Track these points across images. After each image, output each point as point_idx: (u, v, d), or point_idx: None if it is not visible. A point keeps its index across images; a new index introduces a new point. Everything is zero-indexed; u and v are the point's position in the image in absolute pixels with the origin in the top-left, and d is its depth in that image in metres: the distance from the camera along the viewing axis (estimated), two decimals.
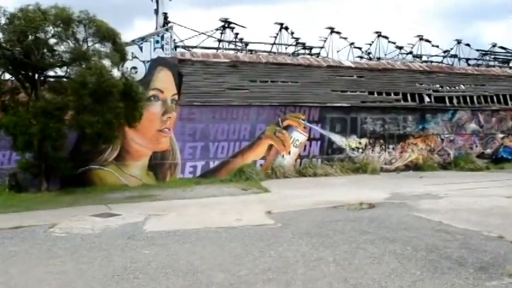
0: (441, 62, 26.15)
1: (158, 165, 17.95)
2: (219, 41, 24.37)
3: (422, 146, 22.01)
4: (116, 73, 13.80)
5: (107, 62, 13.22)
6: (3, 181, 16.02)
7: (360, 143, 20.88)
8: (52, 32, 13.12)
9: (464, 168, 21.59)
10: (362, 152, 20.87)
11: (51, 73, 14.44)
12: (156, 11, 23.43)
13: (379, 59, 24.40)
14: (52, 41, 13.48)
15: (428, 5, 61.66)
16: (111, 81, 12.38)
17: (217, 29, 24.55)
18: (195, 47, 22.13)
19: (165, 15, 23.47)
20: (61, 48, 13.41)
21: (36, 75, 13.66)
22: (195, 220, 10.37)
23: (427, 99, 22.03)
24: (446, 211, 11.19)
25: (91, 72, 12.29)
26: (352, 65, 21.00)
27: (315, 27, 32.84)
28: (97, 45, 13.84)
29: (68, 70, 13.91)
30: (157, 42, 18.94)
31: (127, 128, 16.82)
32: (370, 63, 22.57)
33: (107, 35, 13.38)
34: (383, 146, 21.27)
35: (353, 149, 20.76)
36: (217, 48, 23.28)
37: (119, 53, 13.53)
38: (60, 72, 14.19)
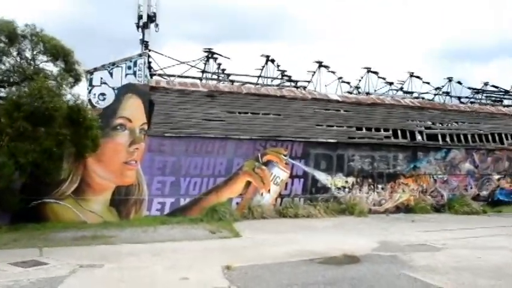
0: (433, 99, 23.95)
1: (122, 200, 15.40)
2: (203, 72, 22.22)
3: (414, 186, 19.53)
4: (68, 96, 11.41)
5: (52, 83, 10.79)
6: None
7: (346, 181, 18.39)
8: None
9: (459, 212, 19.07)
10: (349, 192, 18.36)
11: None
12: (142, 41, 21.41)
13: (368, 94, 22.19)
14: None
15: (418, 45, 60.37)
16: (51, 103, 9.91)
17: (200, 60, 22.46)
18: (174, 75, 19.95)
19: (146, 43, 21.38)
20: (4, 66, 11.00)
21: None
22: (128, 278, 7.81)
23: (418, 136, 19.69)
24: (447, 270, 8.71)
25: (28, 92, 9.87)
26: (340, 99, 18.74)
27: (304, 64, 31.05)
28: (47, 65, 11.47)
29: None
30: (129, 68, 16.71)
31: (90, 158, 14.62)
32: (358, 97, 20.35)
33: (56, 53, 11.03)
34: (371, 186, 18.79)
35: (339, 188, 18.25)
36: (200, 79, 21.13)
37: (69, 73, 11.13)
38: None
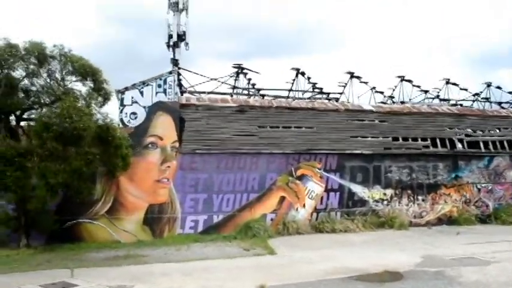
0: (471, 106, 22.92)
1: (155, 219, 15.16)
2: (233, 87, 22.02)
3: (457, 196, 18.53)
4: (98, 115, 11.28)
5: (82, 103, 10.69)
6: None
7: (384, 194, 17.61)
8: (23, 68, 10.73)
9: (506, 222, 17.92)
10: (387, 205, 17.55)
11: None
12: (172, 60, 21.44)
13: (402, 103, 21.41)
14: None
15: (451, 51, 58.64)
16: (80, 123, 9.76)
17: (231, 76, 22.29)
18: (204, 92, 19.79)
19: (176, 61, 21.39)
20: (35, 87, 11.00)
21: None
22: None
23: (459, 144, 18.72)
24: (499, 286, 7.87)
25: (57, 113, 9.76)
26: (374, 109, 18.08)
27: (335, 75, 30.56)
28: (76, 84, 11.41)
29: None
30: (159, 86, 16.65)
31: (122, 177, 14.53)
32: (393, 106, 19.62)
33: (84, 72, 10.94)
34: (411, 197, 17.92)
35: (377, 201, 17.48)
36: (231, 94, 20.94)
37: (98, 92, 11.02)
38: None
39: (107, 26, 52.95)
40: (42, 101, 10.84)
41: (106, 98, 11.85)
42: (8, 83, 10.54)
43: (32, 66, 11.08)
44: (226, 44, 56.67)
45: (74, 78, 11.32)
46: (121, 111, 16.24)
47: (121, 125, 15.99)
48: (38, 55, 10.83)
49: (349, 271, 9.60)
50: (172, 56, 21.86)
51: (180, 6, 23.78)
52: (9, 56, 10.41)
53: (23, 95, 10.90)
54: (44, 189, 10.41)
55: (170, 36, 23.42)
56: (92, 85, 11.27)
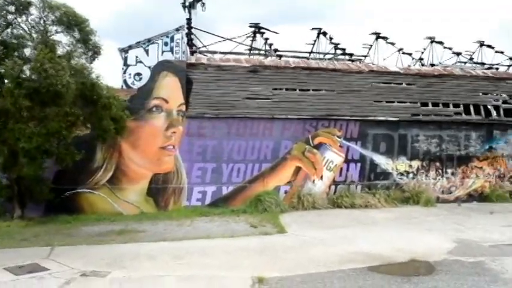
0: (507, 70, 20.43)
1: (159, 190, 13.68)
2: (250, 49, 20.10)
3: (490, 170, 16.44)
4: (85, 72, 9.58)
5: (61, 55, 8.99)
6: None
7: (410, 166, 15.65)
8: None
9: None
10: (413, 178, 15.60)
11: None
12: (186, 19, 19.59)
13: (432, 65, 19.11)
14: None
15: (487, 16, 54.40)
16: (56, 78, 8.09)
17: (247, 36, 20.33)
18: (216, 52, 17.95)
19: (189, 20, 19.52)
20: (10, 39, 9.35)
21: None
22: None
23: (494, 112, 16.49)
24: None
25: (32, 66, 8.12)
26: (401, 71, 15.91)
27: (360, 40, 28.02)
28: (60, 36, 9.73)
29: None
30: (166, 44, 14.87)
31: (124, 144, 13.23)
32: (422, 68, 17.40)
33: (67, 21, 9.24)
34: (439, 171, 15.93)
35: (401, 174, 15.55)
36: (248, 56, 19.04)
37: (85, 44, 9.30)
38: None
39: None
40: (17, 54, 9.17)
41: (95, 51, 10.14)
42: None
43: (9, 16, 9.41)
44: (249, 9, 53.86)
45: (57, 29, 9.61)
46: (124, 72, 14.60)
47: (124, 86, 14.49)
48: (15, 1, 9.13)
49: (368, 259, 7.95)
50: (187, 17, 20.13)
51: None
52: None
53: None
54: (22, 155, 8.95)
55: None
56: (77, 36, 9.55)
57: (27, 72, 8.56)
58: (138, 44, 14.75)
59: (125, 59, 14.63)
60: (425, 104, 15.76)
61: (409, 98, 15.63)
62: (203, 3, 21.72)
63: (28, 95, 8.40)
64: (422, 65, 19.99)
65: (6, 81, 8.85)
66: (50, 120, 8.72)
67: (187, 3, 21.27)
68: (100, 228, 11.11)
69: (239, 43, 19.62)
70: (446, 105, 15.97)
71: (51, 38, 9.45)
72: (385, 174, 15.36)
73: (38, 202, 12.51)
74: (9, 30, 9.48)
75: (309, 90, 14.84)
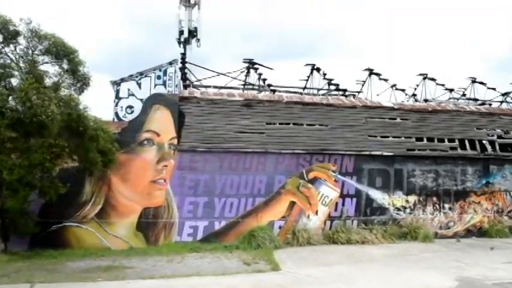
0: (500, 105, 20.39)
1: (150, 224, 13.18)
2: (244, 84, 19.98)
3: (488, 205, 16.07)
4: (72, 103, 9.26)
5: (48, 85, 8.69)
6: None
7: (407, 201, 15.26)
8: None
9: None
10: (410, 213, 15.19)
11: None
12: (181, 54, 19.57)
13: (426, 101, 19.03)
14: None
15: (474, 52, 55.29)
16: (41, 108, 7.75)
17: (241, 71, 20.29)
18: (210, 86, 17.82)
19: (183, 55, 19.50)
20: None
21: None
22: None
23: (489, 147, 16.25)
24: None
25: (17, 95, 7.80)
26: (395, 106, 15.75)
27: (353, 76, 28.08)
28: (48, 66, 9.45)
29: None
30: (158, 77, 14.82)
31: (114, 177, 12.87)
32: (416, 104, 17.28)
33: (56, 52, 8.98)
34: (437, 206, 15.53)
35: (398, 209, 15.13)
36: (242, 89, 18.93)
37: (74, 75, 9.03)
38: None
39: (115, 27, 51.29)
40: (3, 84, 8.85)
41: (84, 83, 9.86)
42: None
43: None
44: (244, 47, 54.62)
45: (45, 59, 9.35)
46: (116, 104, 14.46)
47: (115, 119, 14.21)
48: (3, 31, 8.90)
49: None
50: (182, 52, 20.15)
51: (192, 0, 22.08)
52: None
53: None
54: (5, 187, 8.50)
55: (181, 32, 21.81)
56: (65, 66, 9.29)
57: (12, 103, 8.21)
58: (130, 77, 14.65)
59: (117, 92, 14.48)
60: (420, 139, 15.54)
61: (403, 133, 15.41)
62: (198, 39, 21.90)
63: (11, 126, 8.05)
64: (416, 100, 19.90)
65: None
66: (33, 151, 8.32)
67: (182, 39, 21.42)
68: (86, 264, 10.57)
69: (233, 78, 19.52)
70: (441, 140, 15.75)
71: (38, 68, 9.19)
72: (382, 209, 14.92)
73: (23, 236, 12.02)
74: None
75: (302, 124, 14.61)
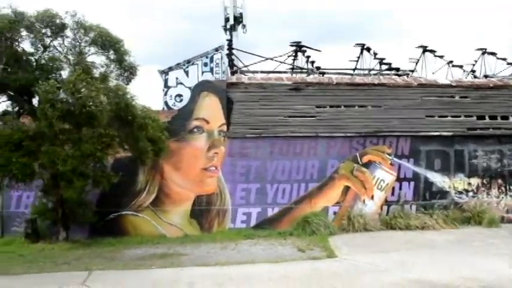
0: None
1: (203, 211, 13.11)
2: (292, 68, 19.50)
3: None
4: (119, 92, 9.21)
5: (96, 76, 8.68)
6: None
7: (469, 184, 14.29)
8: (32, 40, 8.90)
9: None
10: (473, 196, 14.21)
11: None
12: (227, 41, 19.38)
13: (486, 77, 17.76)
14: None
15: None
16: (90, 99, 7.71)
17: (289, 55, 19.82)
18: (257, 72, 17.48)
19: (229, 42, 19.28)
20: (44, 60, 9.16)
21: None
22: None
23: None
24: None
25: (65, 87, 7.80)
26: (452, 83, 14.74)
27: (405, 56, 26.68)
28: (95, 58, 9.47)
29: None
30: (205, 65, 14.54)
31: (166, 166, 12.93)
32: (476, 80, 16.12)
33: (102, 42, 8.95)
34: (502, 188, 14.45)
35: (460, 192, 14.21)
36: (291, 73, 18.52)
37: (120, 65, 8.97)
38: None
39: (163, 18, 51.74)
40: (53, 75, 8.93)
41: (131, 72, 9.81)
42: (12, 56, 8.73)
43: (46, 39, 9.24)
44: (290, 32, 53.56)
45: (92, 50, 9.36)
46: (165, 94, 14.38)
47: (165, 108, 14.19)
48: (51, 24, 8.95)
49: None
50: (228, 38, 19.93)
51: None
52: (13, 25, 8.58)
53: (32, 69, 9.06)
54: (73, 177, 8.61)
55: (227, 20, 21.42)
56: (112, 57, 9.26)
57: (63, 95, 8.26)
58: (178, 66, 14.51)
59: (165, 81, 14.41)
60: (481, 117, 14.46)
61: (463, 112, 14.40)
62: (244, 25, 21.51)
63: (62, 117, 8.10)
64: (475, 77, 18.66)
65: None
66: (84, 142, 8.34)
67: (228, 26, 21.15)
68: (142, 252, 10.63)
69: (280, 62, 19.12)
70: (505, 117, 14.58)
71: (86, 59, 9.21)
72: (442, 193, 14.06)
73: (82, 225, 12.34)
74: (46, 53, 9.31)
75: (354, 106, 13.97)
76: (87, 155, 8.35)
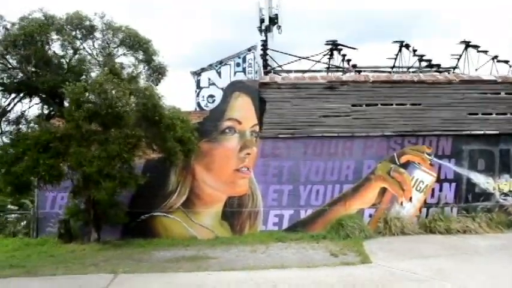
0: None
1: (234, 213, 12.84)
2: (328, 67, 18.93)
3: None
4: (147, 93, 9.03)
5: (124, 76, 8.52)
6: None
7: None
8: (62, 42, 8.86)
9: None
10: None
11: None
12: (262, 41, 19.13)
13: None
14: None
15: None
16: (117, 100, 7.54)
17: (324, 54, 19.27)
18: (291, 71, 17.05)
19: (264, 42, 18.99)
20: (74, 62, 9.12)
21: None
22: None
23: None
24: None
25: (92, 87, 7.66)
26: (498, 79, 13.79)
27: (447, 52, 25.41)
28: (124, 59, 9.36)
29: None
30: (238, 65, 14.35)
31: (198, 167, 12.75)
32: None
33: (130, 43, 8.80)
34: None
35: (506, 194, 13.26)
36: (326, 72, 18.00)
37: (149, 65, 8.79)
38: None
39: (197, 21, 51.92)
40: (84, 77, 8.86)
41: (160, 72, 9.63)
42: (41, 59, 8.71)
43: (76, 42, 9.19)
44: (326, 33, 52.71)
45: (121, 51, 9.25)
46: (197, 95, 14.28)
47: (197, 109, 14.02)
48: (80, 27, 8.89)
49: None
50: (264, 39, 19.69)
51: None
52: (43, 28, 8.56)
53: (63, 71, 9.04)
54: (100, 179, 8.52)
55: (262, 21, 21.23)
56: (140, 57, 9.10)
57: (91, 96, 8.15)
58: (210, 67, 14.39)
59: (198, 82, 14.31)
60: None
61: (509, 109, 13.44)
62: (279, 26, 21.17)
63: (89, 118, 7.99)
64: None
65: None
66: (111, 143, 8.19)
67: (263, 27, 20.83)
68: (172, 254, 10.43)
69: (316, 61, 18.62)
70: None
71: (115, 60, 9.10)
72: (486, 195, 13.17)
73: (114, 225, 12.29)
74: (76, 56, 9.28)
75: (392, 104, 13.30)
76: (113, 156, 8.20)
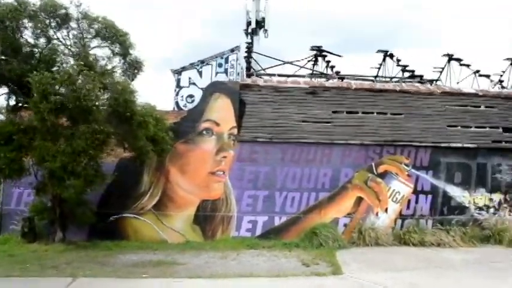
0: None
1: (207, 217, 12.42)
2: (312, 73, 18.74)
3: None
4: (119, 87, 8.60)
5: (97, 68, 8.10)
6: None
7: (490, 199, 13.25)
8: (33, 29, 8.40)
9: None
10: (494, 213, 13.16)
11: None
12: (246, 43, 18.87)
13: None
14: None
15: None
16: (85, 93, 7.12)
17: (308, 60, 19.12)
18: (274, 75, 16.78)
19: (248, 44, 18.72)
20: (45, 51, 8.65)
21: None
22: None
23: None
24: None
25: (60, 78, 7.22)
26: (478, 92, 13.72)
27: (429, 64, 25.45)
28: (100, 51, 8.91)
29: None
30: (220, 65, 14.00)
31: (172, 168, 12.28)
32: (504, 91, 15.10)
33: (106, 34, 8.36)
34: None
35: (481, 209, 13.17)
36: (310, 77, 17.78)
37: (124, 59, 8.38)
38: None
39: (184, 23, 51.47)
40: (56, 68, 8.40)
41: (136, 67, 9.22)
42: (9, 46, 8.23)
43: (50, 30, 8.73)
44: (313, 40, 52.59)
45: (95, 43, 8.81)
46: (177, 94, 13.88)
47: (176, 109, 13.62)
48: (55, 15, 8.44)
49: None
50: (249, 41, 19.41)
51: None
52: (14, 14, 8.09)
53: (35, 61, 8.55)
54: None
55: (249, 23, 20.92)
56: (117, 50, 8.68)
57: (58, 87, 7.70)
58: (191, 66, 14.00)
59: (178, 81, 13.94)
60: (508, 130, 13.41)
61: (488, 123, 13.38)
62: (266, 30, 20.89)
63: (55, 111, 7.53)
64: (503, 87, 17.52)
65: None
66: (77, 138, 7.75)
67: (249, 30, 20.56)
68: (138, 258, 9.99)
69: (300, 67, 18.47)
70: None
71: (89, 52, 8.66)
72: (461, 209, 13.05)
73: (82, 226, 11.72)
74: (49, 45, 8.81)
75: (373, 113, 13.10)
76: (78, 152, 7.75)
